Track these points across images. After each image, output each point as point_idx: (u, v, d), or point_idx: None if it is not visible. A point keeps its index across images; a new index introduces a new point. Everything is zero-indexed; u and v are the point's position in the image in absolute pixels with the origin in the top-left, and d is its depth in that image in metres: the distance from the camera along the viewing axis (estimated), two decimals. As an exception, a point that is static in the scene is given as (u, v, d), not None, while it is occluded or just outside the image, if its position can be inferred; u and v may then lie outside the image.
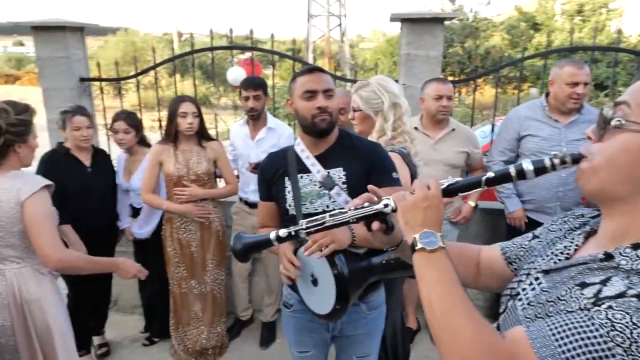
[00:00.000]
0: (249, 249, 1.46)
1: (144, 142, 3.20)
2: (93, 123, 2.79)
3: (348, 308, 1.58)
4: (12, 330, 1.92)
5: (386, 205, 1.03)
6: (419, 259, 0.87)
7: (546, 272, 0.88)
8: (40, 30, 3.40)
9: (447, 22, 4.91)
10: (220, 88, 16.51)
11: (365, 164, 1.72)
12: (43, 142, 2.43)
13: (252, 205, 3.13)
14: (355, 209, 1.10)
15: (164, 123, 3.13)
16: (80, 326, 2.72)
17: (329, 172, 1.71)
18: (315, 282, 1.64)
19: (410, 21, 3.28)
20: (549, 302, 0.80)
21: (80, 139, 2.85)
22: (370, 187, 1.14)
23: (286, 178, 1.77)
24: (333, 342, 1.93)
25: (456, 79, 7.22)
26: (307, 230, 1.34)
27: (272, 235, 1.40)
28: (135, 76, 3.44)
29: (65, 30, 3.36)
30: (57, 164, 2.83)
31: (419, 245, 0.88)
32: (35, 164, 2.32)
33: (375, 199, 1.10)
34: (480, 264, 1.13)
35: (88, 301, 3.03)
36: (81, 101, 3.50)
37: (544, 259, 0.94)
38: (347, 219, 1.11)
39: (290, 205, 1.75)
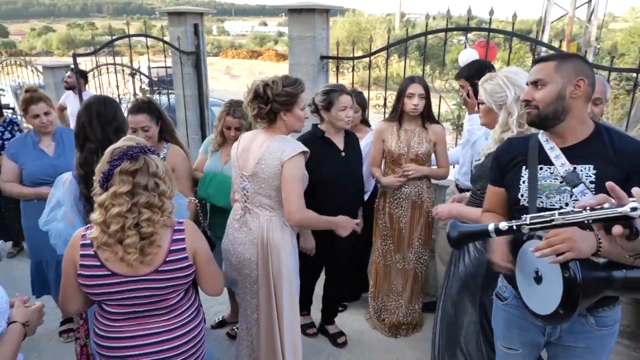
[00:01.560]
0: (465, 238, 1.45)
1: (365, 122, 3.41)
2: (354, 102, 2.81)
3: (572, 316, 1.45)
4: (255, 265, 2.33)
5: (634, 209, 0.92)
6: None
7: None
8: (294, 12, 3.87)
9: None
10: (436, 71, 16.37)
11: (625, 166, 1.51)
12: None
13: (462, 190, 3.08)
14: (592, 209, 1.00)
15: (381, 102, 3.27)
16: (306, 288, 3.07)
17: (575, 168, 1.56)
18: (538, 279, 1.53)
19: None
20: None
21: (346, 119, 2.77)
22: (610, 185, 1.02)
23: (524, 167, 1.68)
24: (546, 348, 1.81)
25: None
26: (531, 227, 1.27)
27: (491, 226, 1.36)
28: (368, 55, 3.65)
29: (314, 12, 3.75)
30: (314, 147, 2.70)
31: None
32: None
33: (613, 201, 0.98)
34: None
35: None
36: (319, 77, 3.90)
37: None
38: (581, 220, 1.02)
39: (522, 196, 1.66)
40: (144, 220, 1.59)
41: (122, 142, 1.68)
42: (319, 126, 2.89)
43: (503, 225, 1.32)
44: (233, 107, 2.91)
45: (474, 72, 2.78)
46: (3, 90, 7.50)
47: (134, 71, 4.92)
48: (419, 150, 2.97)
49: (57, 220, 2.20)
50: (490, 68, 2.76)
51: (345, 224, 2.45)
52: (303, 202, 2.26)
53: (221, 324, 3.45)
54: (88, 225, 1.73)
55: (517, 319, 1.78)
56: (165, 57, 4.81)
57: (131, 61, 4.95)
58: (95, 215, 1.62)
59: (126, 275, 1.64)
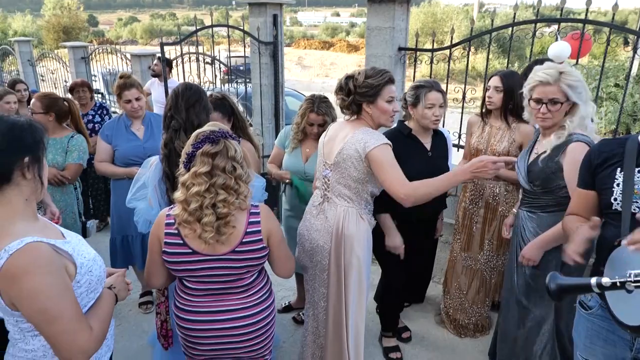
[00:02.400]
0: (564, 291, 1.36)
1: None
2: (445, 100, 2.65)
3: None
4: (328, 253, 2.35)
5: None
6: None
7: None
8: (373, 2, 3.82)
9: None
10: (515, 64, 15.56)
11: None
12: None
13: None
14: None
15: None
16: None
17: None
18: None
19: None
20: None
21: (433, 118, 2.59)
22: None
23: (618, 169, 1.57)
24: None
25: None
26: (635, 284, 1.22)
27: (593, 281, 1.29)
28: (449, 47, 3.54)
29: (394, 2, 3.68)
30: (398, 145, 2.51)
31: None
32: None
33: None
34: None
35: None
36: (395, 69, 3.84)
37: None
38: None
39: (616, 200, 1.56)
40: (220, 201, 1.68)
41: (206, 127, 1.77)
42: (405, 123, 2.74)
43: (606, 281, 1.25)
44: (317, 103, 2.90)
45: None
46: (95, 76, 8.08)
47: (215, 60, 5.10)
48: (497, 147, 2.84)
49: (141, 200, 2.36)
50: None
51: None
52: (405, 180, 2.14)
53: (287, 308, 3.53)
54: (172, 205, 1.85)
55: (602, 330, 1.67)
56: (244, 46, 4.94)
57: (212, 50, 5.14)
58: (178, 194, 1.73)
59: (205, 254, 1.74)
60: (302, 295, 3.55)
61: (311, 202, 2.51)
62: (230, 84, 5.53)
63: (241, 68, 7.41)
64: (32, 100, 3.29)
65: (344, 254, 2.32)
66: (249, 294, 1.86)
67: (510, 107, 2.77)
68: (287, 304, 3.55)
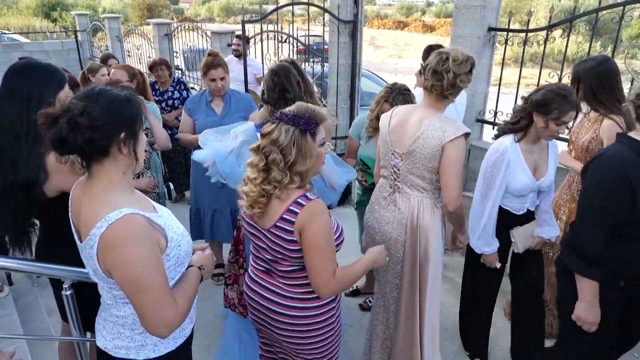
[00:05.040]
0: None
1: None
2: None
3: None
4: (402, 245, 2.27)
5: None
6: None
7: None
8: (464, -21, 3.60)
9: None
10: (608, 48, 14.30)
11: None
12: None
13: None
14: None
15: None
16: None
17: None
18: None
19: None
20: None
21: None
22: None
23: None
24: None
25: None
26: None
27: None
28: (546, 28, 3.26)
29: (487, -22, 3.44)
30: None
31: None
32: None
33: None
34: None
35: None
36: (484, 51, 3.61)
37: None
38: None
39: None
40: (271, 179, 1.61)
41: (293, 107, 1.71)
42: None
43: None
44: (394, 94, 2.81)
45: None
46: (176, 52, 8.36)
47: (294, 39, 5.08)
48: (579, 140, 2.62)
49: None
50: None
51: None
52: (461, 186, 2.11)
53: (355, 292, 3.50)
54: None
55: None
56: (323, 25, 4.86)
57: (292, 29, 5.11)
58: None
59: (257, 225, 1.73)
60: (371, 281, 3.50)
61: (378, 192, 2.40)
62: (306, 63, 5.50)
63: (315, 47, 7.37)
64: (113, 71, 3.45)
65: (420, 246, 2.23)
66: (288, 282, 1.75)
67: (593, 95, 2.47)
68: (354, 288, 3.52)
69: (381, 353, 2.54)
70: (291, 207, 1.62)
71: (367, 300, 3.37)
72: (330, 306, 1.80)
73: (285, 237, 1.64)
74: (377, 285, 2.52)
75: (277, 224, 1.64)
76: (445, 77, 2.06)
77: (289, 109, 1.69)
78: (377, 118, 2.85)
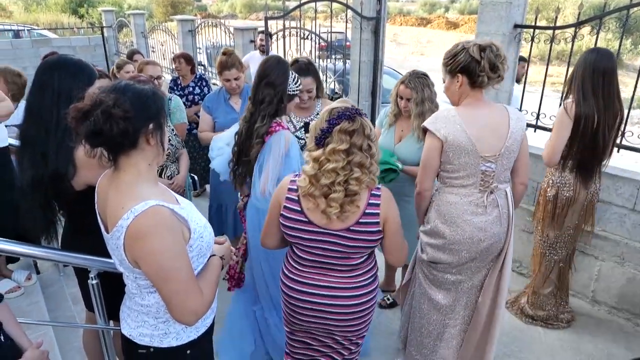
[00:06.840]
0: None
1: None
2: None
3: None
4: (505, 236, 2.26)
5: None
6: None
7: None
8: (490, -26, 3.54)
9: None
10: (639, 46, 13.88)
11: None
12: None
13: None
14: None
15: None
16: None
17: None
18: None
19: None
20: None
21: None
22: None
23: None
24: None
25: None
26: None
27: None
28: (575, 25, 3.18)
29: (515, -26, 3.38)
30: None
31: None
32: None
33: None
34: None
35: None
36: (509, 49, 3.55)
37: None
38: None
39: None
40: (353, 179, 1.67)
41: (339, 103, 1.76)
42: None
43: None
44: (411, 76, 2.81)
45: None
46: (200, 48, 8.44)
47: (316, 35, 5.08)
48: None
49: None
50: None
51: None
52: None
53: (392, 305, 3.43)
54: (297, 172, 1.88)
55: None
56: (346, 22, 4.85)
57: (315, 25, 5.11)
58: (308, 168, 1.74)
59: (321, 227, 1.75)
60: (389, 279, 3.49)
61: (464, 205, 2.19)
62: (328, 60, 5.50)
63: (337, 44, 7.35)
64: (148, 67, 3.56)
65: (509, 234, 2.26)
66: (353, 274, 1.84)
67: None
68: (391, 301, 3.38)
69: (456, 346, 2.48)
70: (372, 200, 1.74)
71: (385, 298, 3.36)
72: (377, 280, 1.94)
73: (372, 229, 1.75)
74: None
75: (360, 220, 1.73)
76: (500, 67, 2.09)
77: (343, 106, 1.73)
78: (395, 102, 2.90)
